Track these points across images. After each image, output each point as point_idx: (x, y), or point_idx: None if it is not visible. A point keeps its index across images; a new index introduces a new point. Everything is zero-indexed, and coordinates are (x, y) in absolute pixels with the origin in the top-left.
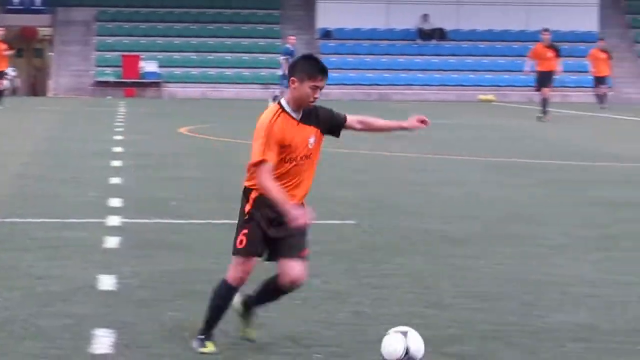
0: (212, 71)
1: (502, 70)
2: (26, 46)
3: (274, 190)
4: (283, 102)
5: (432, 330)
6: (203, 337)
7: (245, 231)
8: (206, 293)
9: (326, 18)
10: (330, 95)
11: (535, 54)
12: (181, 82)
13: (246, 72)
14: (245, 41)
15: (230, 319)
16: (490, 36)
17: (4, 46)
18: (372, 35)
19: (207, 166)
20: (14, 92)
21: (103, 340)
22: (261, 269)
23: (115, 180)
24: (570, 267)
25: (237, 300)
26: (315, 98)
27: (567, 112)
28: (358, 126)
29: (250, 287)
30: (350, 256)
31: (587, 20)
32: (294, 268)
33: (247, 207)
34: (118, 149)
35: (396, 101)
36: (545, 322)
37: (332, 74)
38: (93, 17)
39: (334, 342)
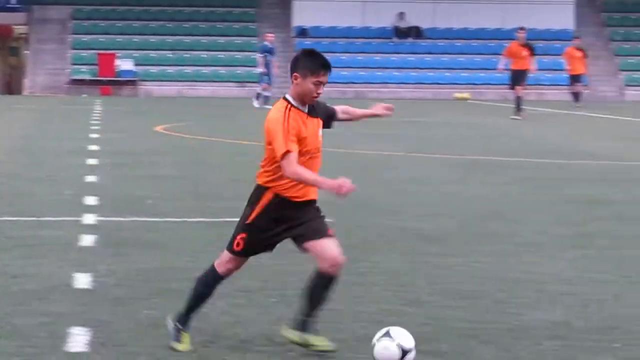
0: (188, 69)
1: (477, 69)
2: (1, 44)
3: (306, 173)
4: (288, 97)
5: (408, 328)
6: (180, 326)
7: (244, 235)
8: (182, 291)
9: (302, 16)
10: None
11: (510, 52)
12: (157, 81)
13: (222, 70)
14: (222, 39)
15: (207, 318)
16: (466, 34)
17: None
18: (348, 33)
19: (183, 164)
20: None
21: (79, 338)
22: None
23: (91, 178)
24: (546, 265)
25: (292, 334)
26: (319, 94)
27: (543, 110)
28: (343, 116)
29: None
30: None
31: (563, 19)
32: (329, 248)
33: (253, 214)
34: (94, 147)
35: (372, 99)
36: (521, 320)
37: None
38: (69, 15)
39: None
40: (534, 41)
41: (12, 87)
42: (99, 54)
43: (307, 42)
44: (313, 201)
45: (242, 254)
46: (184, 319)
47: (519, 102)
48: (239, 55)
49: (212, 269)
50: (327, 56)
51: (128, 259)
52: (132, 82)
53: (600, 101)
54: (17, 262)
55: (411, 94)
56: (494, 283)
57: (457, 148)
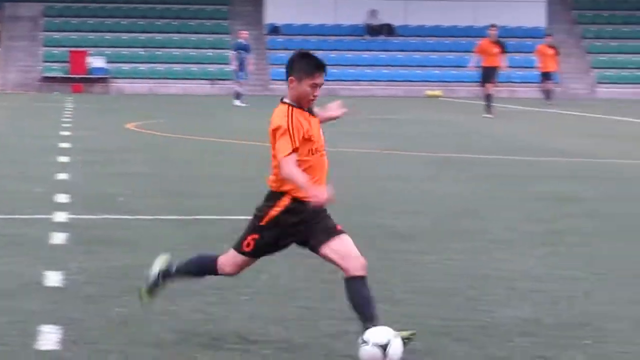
0: (160, 67)
1: (449, 66)
2: None
3: (298, 174)
4: (287, 100)
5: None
6: (161, 280)
7: (256, 237)
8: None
9: (274, 13)
10: (277, 91)
11: (481, 49)
12: (129, 78)
13: (194, 68)
14: (193, 37)
15: (179, 315)
16: (438, 32)
17: None
18: (320, 30)
19: (155, 162)
20: None
21: (50, 336)
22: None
23: (62, 176)
24: (517, 262)
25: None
26: (315, 96)
27: (514, 108)
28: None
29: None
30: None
31: (535, 16)
32: (346, 253)
33: (267, 217)
34: (65, 145)
35: (344, 97)
36: (492, 317)
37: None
38: (40, 12)
39: (283, 338)
40: (506, 39)
41: None
42: (70, 51)
43: (279, 40)
44: None
45: (251, 254)
46: (167, 277)
47: (489, 99)
48: (211, 52)
49: (213, 264)
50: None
51: (99, 256)
52: (104, 80)
53: (571, 99)
54: None
55: (383, 91)
56: (465, 280)
57: (430, 146)
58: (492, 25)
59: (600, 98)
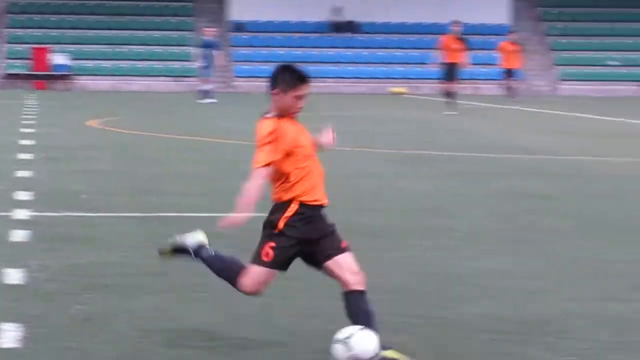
0: (124, 64)
1: (413, 63)
2: None
3: (250, 192)
4: (271, 114)
5: (340, 323)
6: (188, 251)
7: (273, 244)
8: (116, 286)
9: (238, 11)
10: (240, 88)
11: (444, 45)
12: (92, 75)
13: (158, 65)
14: (157, 34)
15: (140, 313)
16: (402, 29)
17: None
18: (285, 27)
19: (118, 159)
20: None
21: (10, 334)
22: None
23: (23, 173)
24: (480, 259)
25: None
26: (300, 107)
27: (478, 105)
28: None
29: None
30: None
31: (499, 13)
32: (346, 267)
33: (281, 223)
34: (27, 142)
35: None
36: (455, 313)
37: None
38: (3, 8)
39: (243, 335)
40: (470, 36)
41: None
42: (33, 48)
43: (244, 37)
44: (324, 207)
45: (272, 264)
46: (195, 255)
47: (451, 96)
48: (175, 49)
49: (237, 275)
50: (263, 51)
51: (61, 254)
52: (67, 77)
53: (535, 96)
54: None
55: (348, 88)
56: (428, 277)
57: (396, 143)
58: (455, 22)
59: (563, 95)
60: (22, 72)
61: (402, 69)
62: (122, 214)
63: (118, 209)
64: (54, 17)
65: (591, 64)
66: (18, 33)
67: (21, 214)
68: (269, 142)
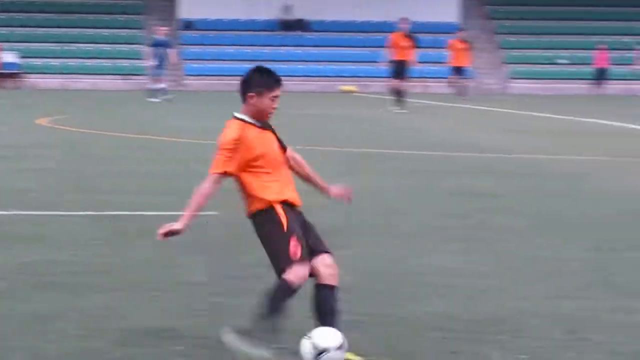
0: (73, 62)
1: (363, 61)
2: None
3: (196, 200)
4: (241, 115)
5: (291, 321)
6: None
7: (294, 239)
8: (65, 284)
9: (188, 9)
10: (190, 86)
11: (393, 43)
12: (41, 73)
13: (107, 63)
14: (107, 32)
15: (89, 312)
16: (352, 27)
17: None
18: (235, 26)
19: (68, 157)
20: None
21: None
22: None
23: None
24: (430, 257)
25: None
26: (275, 108)
27: (428, 103)
28: (291, 162)
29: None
30: (211, 247)
31: (448, 11)
32: (330, 262)
33: (283, 222)
34: None
35: None
36: (404, 312)
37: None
38: None
39: (194, 334)
40: (419, 34)
41: None
42: None
43: (193, 35)
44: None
45: (304, 258)
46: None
47: (400, 94)
48: (124, 47)
49: (286, 285)
50: (214, 49)
51: (10, 252)
52: (16, 75)
53: (484, 94)
54: None
55: (298, 86)
56: (379, 276)
57: (345, 141)
58: (404, 19)
59: (513, 93)
60: None
61: (351, 67)
62: (71, 213)
63: (68, 207)
64: (2, 15)
65: (540, 63)
66: None
67: None
68: (230, 150)
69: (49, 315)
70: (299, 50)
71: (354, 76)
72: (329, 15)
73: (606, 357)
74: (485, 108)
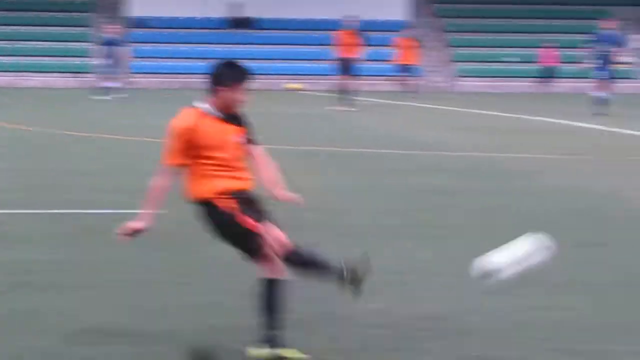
0: (23, 60)
1: (311, 59)
2: None
3: (150, 195)
4: (203, 105)
5: (235, 319)
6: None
7: (246, 219)
8: (13, 283)
9: (139, 7)
10: (140, 84)
11: (340, 41)
12: None
13: (57, 61)
14: (57, 29)
15: (36, 311)
16: (301, 25)
17: None
18: (181, 23)
19: (16, 156)
20: None
21: None
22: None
23: None
24: (378, 255)
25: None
26: (244, 100)
27: (376, 101)
28: (254, 157)
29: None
30: (160, 245)
31: (395, 9)
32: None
33: (224, 208)
34: None
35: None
36: (349, 309)
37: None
38: None
39: (142, 332)
40: (366, 32)
41: None
42: None
43: (145, 33)
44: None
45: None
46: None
47: (346, 92)
48: (74, 45)
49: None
50: (165, 47)
51: None
52: None
53: (433, 92)
54: None
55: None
56: None
57: (291, 139)
58: (351, 17)
59: (460, 91)
60: None
61: (298, 65)
62: (18, 211)
63: (14, 206)
64: None
65: (487, 60)
66: None
67: None
68: (178, 139)
69: None
70: (250, 48)
71: (301, 74)
72: (276, 13)
73: (547, 354)
74: (433, 106)
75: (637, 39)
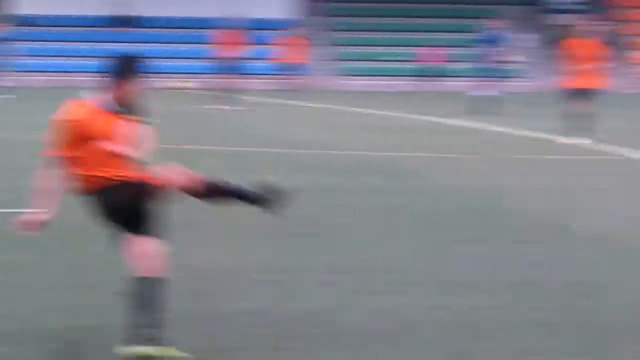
0: None
1: (194, 58)
2: None
3: (40, 187)
4: (93, 97)
5: (108, 318)
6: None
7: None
8: None
9: (26, 5)
10: (24, 83)
11: (223, 40)
12: None
13: None
14: None
15: None
16: (186, 23)
17: None
18: (67, 22)
19: None
20: None
21: None
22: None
23: None
24: (258, 254)
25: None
26: (142, 92)
27: (259, 100)
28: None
29: None
30: (42, 247)
31: (282, 8)
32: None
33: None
34: None
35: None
36: (228, 308)
37: (33, 61)
38: None
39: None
40: (250, 30)
41: None
42: None
43: (31, 31)
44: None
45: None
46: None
47: (229, 91)
48: None
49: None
50: (52, 45)
51: None
52: None
53: (316, 90)
54: None
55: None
56: (203, 272)
57: (173, 137)
58: (233, 16)
59: (344, 90)
60: None
61: (182, 63)
62: None
63: None
64: None
65: (372, 59)
66: None
67: None
68: (66, 133)
69: None
70: (134, 46)
71: (185, 73)
72: (161, 12)
73: (430, 354)
74: (316, 105)
75: (526, 38)
